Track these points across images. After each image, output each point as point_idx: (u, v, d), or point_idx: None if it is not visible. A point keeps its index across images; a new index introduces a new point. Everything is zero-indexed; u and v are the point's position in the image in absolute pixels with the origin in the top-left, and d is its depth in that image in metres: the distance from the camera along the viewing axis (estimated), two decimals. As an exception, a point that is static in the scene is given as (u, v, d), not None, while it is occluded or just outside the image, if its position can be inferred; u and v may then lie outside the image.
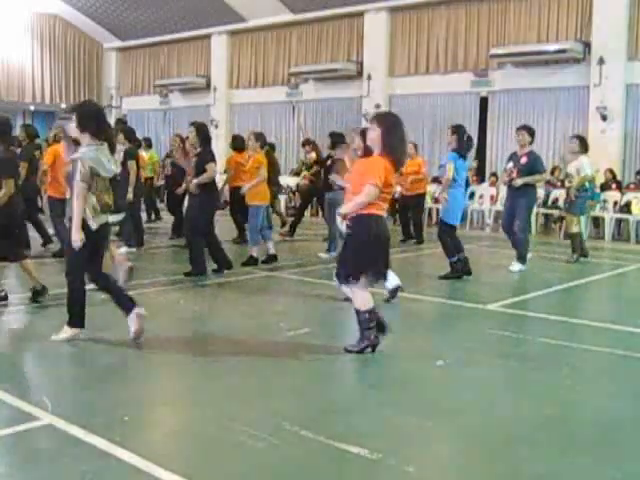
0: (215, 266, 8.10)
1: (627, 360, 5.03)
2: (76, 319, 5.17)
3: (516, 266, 8.71)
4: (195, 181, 7.78)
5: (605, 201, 12.76)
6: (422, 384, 4.42)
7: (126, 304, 5.15)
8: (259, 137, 9.07)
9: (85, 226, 4.98)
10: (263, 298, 7.12)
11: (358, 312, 4.90)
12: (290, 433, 3.52)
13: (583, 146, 9.46)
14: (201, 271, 7.89)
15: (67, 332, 5.14)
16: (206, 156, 7.90)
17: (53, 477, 3.11)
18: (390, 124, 4.97)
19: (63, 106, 22.20)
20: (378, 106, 16.70)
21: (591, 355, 5.19)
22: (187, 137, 8.95)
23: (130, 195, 9.64)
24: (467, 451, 3.45)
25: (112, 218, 5.68)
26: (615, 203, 12.77)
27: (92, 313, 5.29)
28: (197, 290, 7.38)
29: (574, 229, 9.65)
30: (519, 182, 8.52)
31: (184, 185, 8.51)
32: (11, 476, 3.10)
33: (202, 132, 8.04)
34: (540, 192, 12.85)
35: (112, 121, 13.34)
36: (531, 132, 8.80)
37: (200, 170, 7.82)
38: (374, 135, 4.91)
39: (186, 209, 8.51)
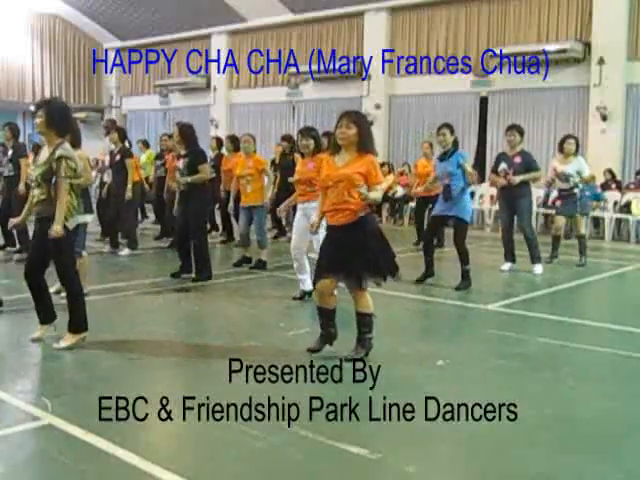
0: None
1: (627, 360, 5.03)
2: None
3: (539, 268, 8.54)
4: (188, 179, 7.68)
5: (605, 201, 12.77)
6: (422, 384, 4.42)
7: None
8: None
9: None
10: (263, 298, 7.12)
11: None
12: (290, 433, 3.52)
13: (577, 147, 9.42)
14: (210, 275, 7.81)
15: (71, 339, 5.05)
16: (198, 157, 7.83)
17: (53, 477, 3.11)
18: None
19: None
20: (378, 106, 16.71)
21: (591, 355, 5.19)
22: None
23: (129, 193, 9.66)
24: (467, 451, 3.45)
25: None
26: (615, 203, 12.78)
27: (92, 314, 5.29)
28: (197, 290, 7.38)
29: (583, 230, 9.51)
30: (518, 179, 8.30)
31: (170, 185, 8.22)
32: (11, 476, 3.10)
33: (185, 133, 7.84)
34: (540, 192, 12.87)
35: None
36: (521, 132, 8.63)
37: (192, 170, 7.73)
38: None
39: (182, 212, 7.89)
